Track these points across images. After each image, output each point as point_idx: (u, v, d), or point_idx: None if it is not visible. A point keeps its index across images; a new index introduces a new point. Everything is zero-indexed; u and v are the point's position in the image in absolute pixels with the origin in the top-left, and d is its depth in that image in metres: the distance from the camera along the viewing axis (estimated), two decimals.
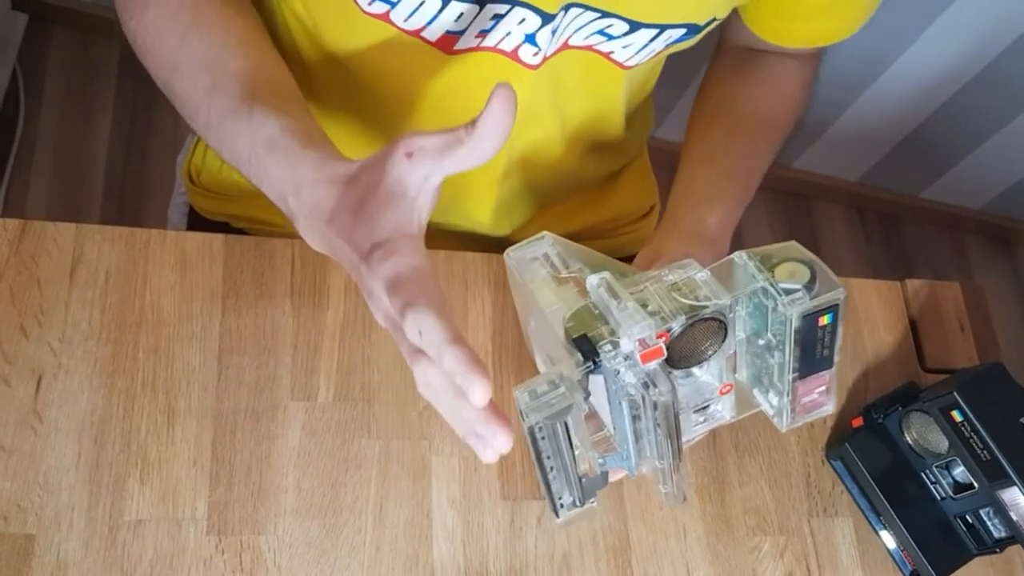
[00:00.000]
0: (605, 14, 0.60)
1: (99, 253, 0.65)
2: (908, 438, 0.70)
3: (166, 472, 0.60)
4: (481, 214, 0.77)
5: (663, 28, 0.62)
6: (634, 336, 0.50)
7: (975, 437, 0.64)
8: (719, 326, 0.55)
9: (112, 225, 0.66)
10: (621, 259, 0.89)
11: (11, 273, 0.63)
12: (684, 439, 0.57)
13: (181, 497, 0.60)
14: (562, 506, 0.55)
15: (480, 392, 0.41)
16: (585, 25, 0.61)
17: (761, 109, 0.76)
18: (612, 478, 0.59)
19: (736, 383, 0.60)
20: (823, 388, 0.59)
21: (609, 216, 0.88)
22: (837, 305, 0.54)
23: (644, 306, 0.51)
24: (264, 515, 0.61)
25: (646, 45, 0.64)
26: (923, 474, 0.70)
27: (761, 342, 0.57)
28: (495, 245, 0.81)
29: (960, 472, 0.68)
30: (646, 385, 0.50)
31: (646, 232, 0.92)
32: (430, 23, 0.60)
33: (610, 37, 0.62)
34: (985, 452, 0.64)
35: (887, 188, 2.01)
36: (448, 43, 0.62)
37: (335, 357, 0.66)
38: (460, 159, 0.46)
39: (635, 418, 0.53)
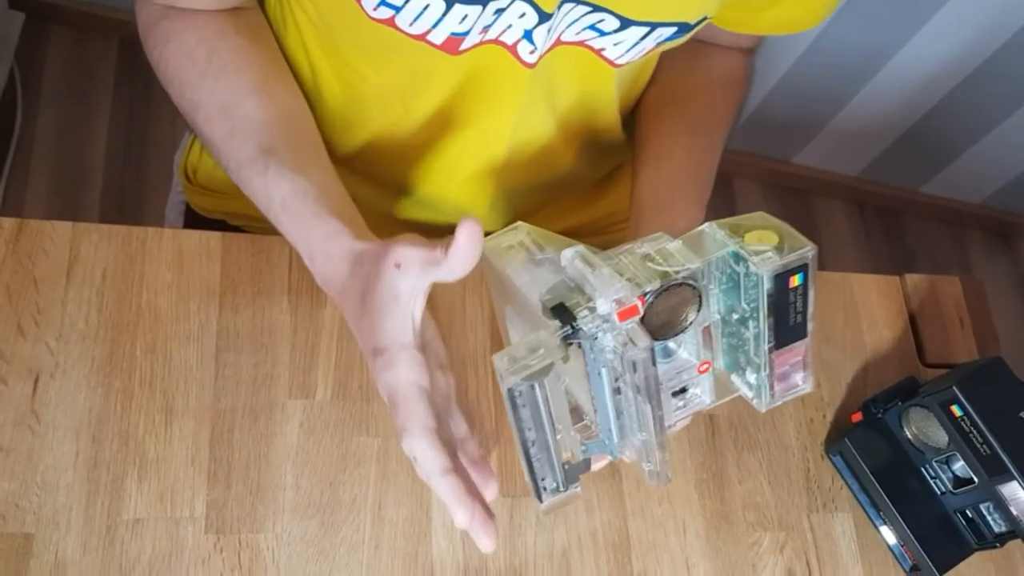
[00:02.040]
0: (596, 8, 0.60)
1: (96, 252, 0.65)
2: (908, 433, 0.70)
3: (164, 471, 0.60)
4: (477, 211, 0.77)
5: (654, 26, 0.62)
6: (610, 296, 0.50)
7: (975, 432, 0.64)
8: (693, 292, 0.55)
9: (110, 224, 0.66)
10: None
11: (8, 272, 0.63)
12: (666, 424, 0.57)
13: (179, 496, 0.60)
14: (544, 489, 0.55)
15: (463, 518, 0.50)
16: (577, 20, 0.61)
17: (714, 101, 0.77)
18: (595, 465, 0.59)
19: (713, 370, 0.60)
20: (799, 360, 0.58)
21: (604, 213, 0.88)
22: (807, 265, 0.54)
23: (620, 274, 0.52)
24: (262, 513, 0.61)
25: (637, 43, 0.63)
26: (923, 469, 0.70)
27: (735, 316, 0.57)
28: None
29: (960, 467, 0.68)
30: (624, 344, 0.51)
31: None
32: (435, 26, 0.60)
33: (601, 33, 0.62)
34: (985, 447, 0.64)
35: (887, 183, 2.01)
36: (454, 44, 0.61)
37: (333, 355, 0.66)
38: (438, 276, 0.51)
39: (615, 391, 0.53)
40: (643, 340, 0.50)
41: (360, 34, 0.63)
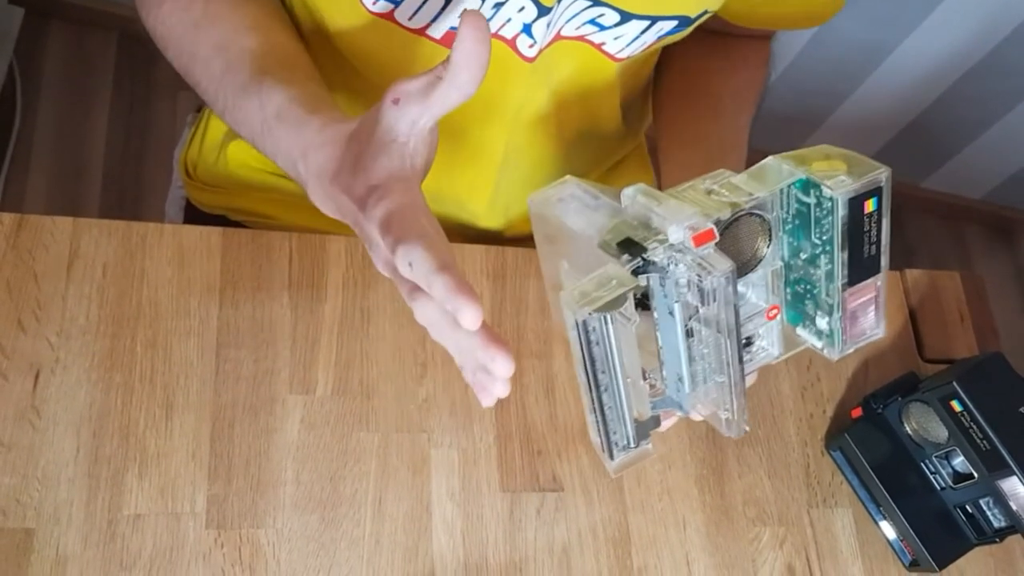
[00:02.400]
0: (596, 3, 0.59)
1: (96, 247, 0.65)
2: (908, 428, 0.70)
3: (165, 466, 0.60)
4: (477, 205, 0.77)
5: (654, 20, 0.62)
6: (683, 223, 0.47)
7: (975, 427, 0.64)
8: (763, 223, 0.52)
9: (110, 219, 0.66)
10: None
11: (8, 267, 0.63)
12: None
13: (180, 491, 0.60)
14: (616, 445, 0.51)
15: (470, 314, 0.42)
16: (577, 14, 0.61)
17: (737, 86, 0.76)
18: (665, 423, 0.56)
19: (780, 320, 0.57)
20: (871, 301, 0.55)
21: None
22: (881, 188, 0.51)
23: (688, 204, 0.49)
24: (263, 508, 0.61)
25: (637, 37, 0.63)
26: (923, 464, 0.70)
27: (803, 257, 0.54)
28: (489, 238, 0.81)
29: (960, 462, 0.68)
30: (701, 270, 0.47)
31: None
32: (434, 20, 0.60)
33: (602, 27, 0.62)
34: (985, 442, 0.64)
35: None
36: (452, 39, 0.61)
37: (333, 350, 0.66)
38: (443, 96, 0.46)
39: (688, 333, 0.50)
40: (723, 263, 0.47)
41: (359, 29, 0.63)
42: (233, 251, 0.67)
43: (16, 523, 0.57)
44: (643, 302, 0.51)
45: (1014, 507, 0.64)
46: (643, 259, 0.48)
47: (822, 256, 0.53)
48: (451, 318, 0.43)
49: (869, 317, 0.56)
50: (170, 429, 0.61)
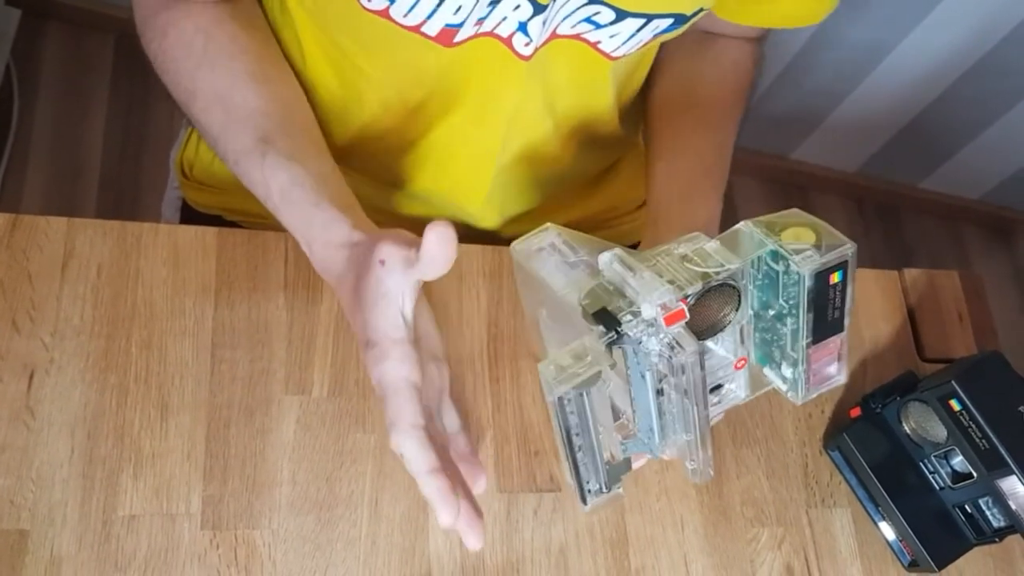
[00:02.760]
0: (592, 1, 0.59)
1: (91, 247, 0.64)
2: (906, 428, 0.70)
3: (160, 467, 0.60)
4: (473, 206, 0.77)
5: (650, 18, 0.62)
6: (655, 301, 0.50)
7: (974, 426, 0.64)
8: (733, 292, 0.55)
9: (105, 219, 0.66)
10: None
11: (2, 268, 0.62)
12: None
13: (175, 492, 0.60)
14: (589, 492, 0.55)
15: (447, 518, 0.49)
16: (573, 12, 0.60)
17: (725, 93, 0.76)
18: (636, 463, 0.59)
19: (748, 364, 0.60)
20: (834, 355, 0.59)
21: (603, 208, 0.87)
22: (846, 262, 0.54)
23: (659, 276, 0.52)
24: (259, 509, 0.60)
25: (633, 35, 0.63)
26: (921, 464, 0.70)
27: (771, 312, 0.57)
28: (486, 238, 0.81)
29: (959, 461, 0.68)
30: (671, 347, 0.50)
31: (639, 224, 0.92)
32: (429, 17, 0.60)
33: (597, 25, 0.62)
34: (984, 441, 0.64)
35: (885, 179, 2.00)
36: (448, 36, 0.61)
37: (329, 351, 0.65)
38: (418, 274, 0.51)
39: (659, 392, 0.53)
40: (691, 344, 0.50)
41: (355, 26, 0.63)
42: (229, 251, 0.66)
43: (10, 524, 0.57)
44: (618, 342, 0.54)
45: (1013, 506, 0.64)
46: (617, 332, 0.51)
47: (788, 317, 0.56)
48: (428, 465, 0.50)
49: (831, 368, 0.60)
50: (165, 430, 0.61)
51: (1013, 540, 0.72)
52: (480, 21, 0.60)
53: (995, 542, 0.69)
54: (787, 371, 0.59)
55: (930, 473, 0.70)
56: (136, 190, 1.61)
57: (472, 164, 0.73)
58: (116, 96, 1.68)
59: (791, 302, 0.55)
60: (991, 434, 0.63)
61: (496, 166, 0.73)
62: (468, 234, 0.81)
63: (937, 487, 0.69)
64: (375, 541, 0.61)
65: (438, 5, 0.58)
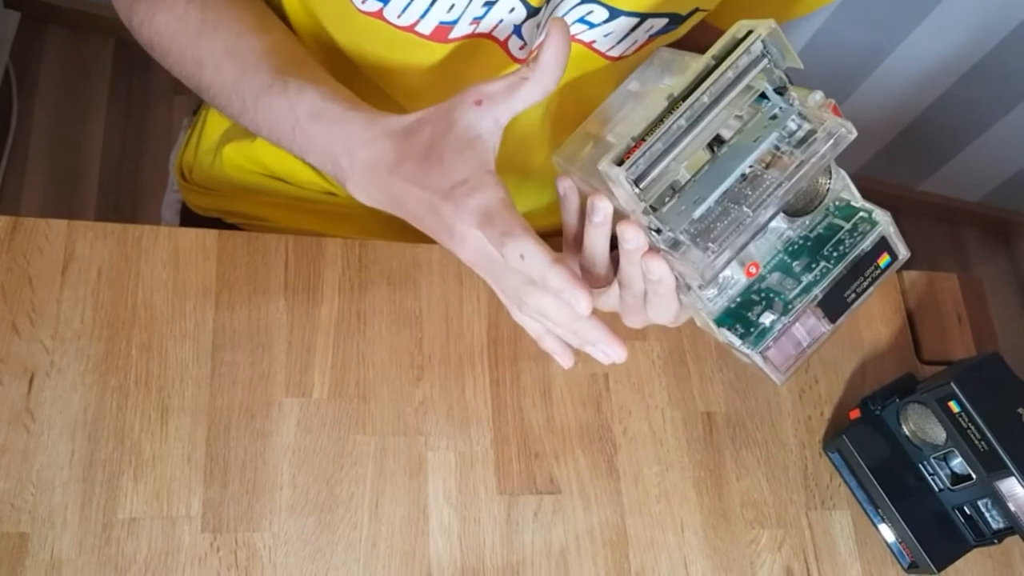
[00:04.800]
0: (585, 0, 0.59)
1: (91, 250, 0.64)
2: (906, 430, 0.70)
3: (160, 470, 0.60)
4: None
5: (643, 17, 0.62)
6: (820, 98, 0.54)
7: (973, 428, 0.64)
8: (827, 171, 0.56)
9: (105, 222, 0.66)
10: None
11: (2, 271, 0.62)
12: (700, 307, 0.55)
13: (175, 495, 0.60)
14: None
15: (584, 303, 0.47)
16: (567, 13, 0.61)
17: None
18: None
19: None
20: (803, 344, 0.56)
21: None
22: (898, 258, 0.55)
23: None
24: (259, 512, 0.60)
25: (627, 34, 0.63)
26: (921, 466, 0.70)
27: (796, 268, 0.56)
28: None
29: (958, 463, 0.68)
30: (823, 128, 0.52)
31: None
32: (423, 16, 0.60)
33: (591, 25, 0.62)
34: (983, 443, 0.64)
35: (884, 181, 2.01)
36: (442, 33, 0.61)
37: (329, 353, 0.65)
38: (527, 95, 0.50)
39: (743, 177, 0.51)
40: (850, 127, 0.51)
41: (350, 27, 0.63)
42: (229, 254, 0.67)
43: (10, 527, 0.57)
44: (712, 146, 0.53)
45: (1012, 508, 0.64)
46: (782, 90, 0.52)
47: (816, 268, 0.55)
48: (567, 308, 0.49)
49: (788, 352, 0.57)
50: (165, 432, 0.61)
51: (1012, 542, 0.72)
52: (476, 21, 0.60)
53: (994, 544, 0.69)
54: (764, 318, 0.55)
55: (929, 475, 0.70)
56: (135, 193, 1.61)
57: None
58: (115, 99, 1.68)
59: (838, 252, 0.55)
60: (990, 436, 0.63)
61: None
62: None
63: (936, 489, 0.70)
64: (375, 543, 0.61)
65: (431, 4, 0.58)
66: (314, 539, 0.61)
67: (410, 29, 0.61)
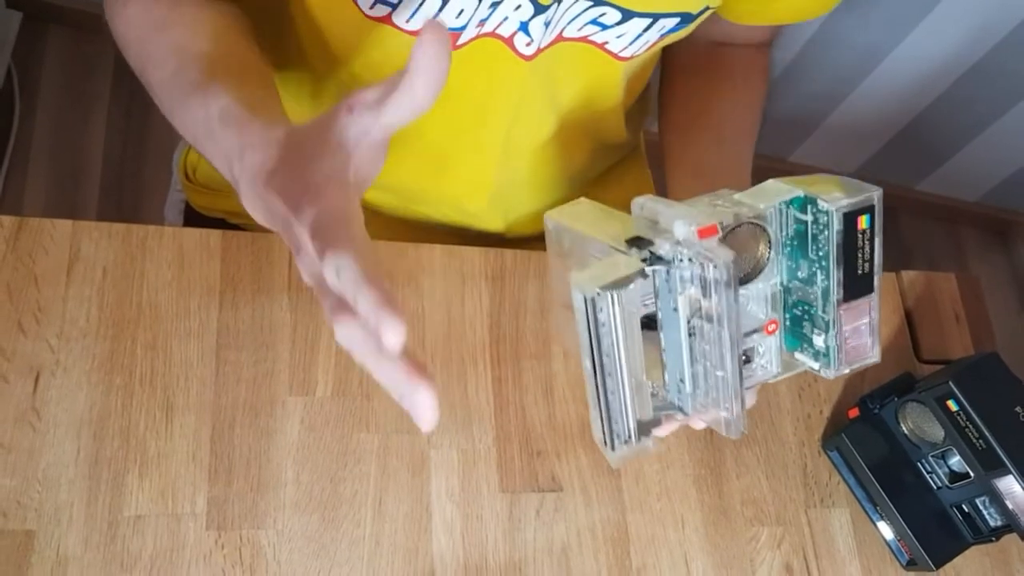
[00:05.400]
0: (597, 2, 0.60)
1: (96, 250, 0.65)
2: (904, 428, 0.70)
3: (165, 467, 0.60)
4: (475, 206, 0.77)
5: (656, 17, 0.62)
6: (690, 221, 0.50)
7: (971, 426, 0.65)
8: (764, 232, 0.55)
9: (109, 222, 0.66)
10: None
11: (8, 270, 0.63)
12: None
13: (180, 492, 0.60)
14: (618, 437, 0.52)
15: (392, 333, 0.38)
16: (579, 15, 0.61)
17: (740, 109, 0.77)
18: (665, 427, 0.56)
19: (778, 338, 0.59)
20: (866, 323, 0.58)
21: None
22: (873, 206, 0.54)
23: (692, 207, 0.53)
24: (263, 509, 0.61)
25: (640, 35, 0.64)
26: (919, 464, 0.70)
27: (801, 276, 0.57)
28: (490, 240, 0.81)
29: (956, 461, 0.68)
30: (703, 264, 0.49)
31: None
32: None
33: (604, 27, 0.62)
34: (981, 441, 0.64)
35: (883, 180, 2.01)
36: (451, 40, 0.62)
37: (333, 352, 0.66)
38: (396, 105, 0.44)
39: (691, 333, 0.52)
40: (724, 253, 0.49)
41: (357, 32, 0.64)
42: (233, 253, 0.67)
43: (17, 525, 0.57)
44: (648, 323, 0.53)
45: (1010, 506, 0.65)
46: (650, 252, 0.50)
47: (819, 273, 0.56)
48: (376, 342, 0.40)
49: (864, 339, 0.58)
50: (170, 431, 0.61)
51: (1010, 539, 0.73)
52: (482, 23, 0.61)
53: (992, 541, 0.69)
54: (819, 341, 0.58)
55: (928, 473, 0.70)
56: (137, 193, 1.62)
57: (474, 164, 0.73)
58: (117, 99, 1.68)
59: (821, 254, 0.55)
60: (988, 434, 0.64)
61: (498, 166, 0.73)
62: (470, 236, 0.81)
63: (935, 487, 0.70)
64: (379, 541, 0.62)
65: (440, 9, 0.59)
66: (318, 536, 0.61)
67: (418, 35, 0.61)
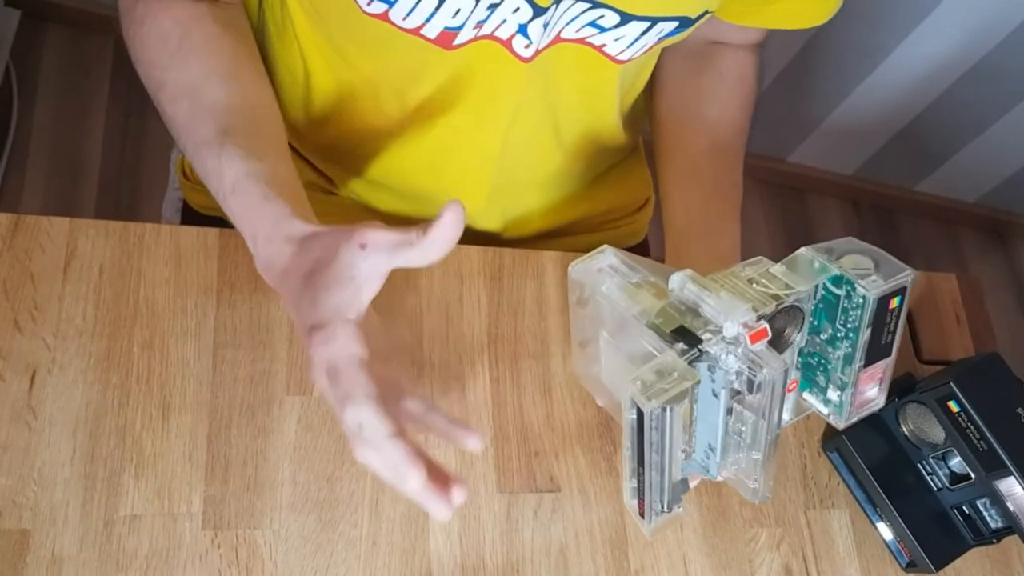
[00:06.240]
0: (596, 4, 0.60)
1: (93, 248, 0.64)
2: (904, 429, 0.70)
3: (161, 467, 0.60)
4: (473, 205, 0.77)
5: (655, 21, 0.62)
6: (738, 319, 0.51)
7: (972, 428, 0.64)
8: (799, 313, 0.56)
9: (107, 220, 0.66)
10: None
11: (4, 268, 0.62)
12: None
13: (176, 492, 0.60)
14: (654, 512, 0.56)
15: (414, 481, 0.48)
16: (577, 17, 0.61)
17: (733, 111, 0.77)
18: (692, 484, 0.60)
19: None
20: (878, 380, 0.61)
21: (602, 210, 0.88)
22: (906, 287, 0.56)
23: (736, 296, 0.53)
24: (260, 509, 0.61)
25: (638, 38, 0.63)
26: (919, 465, 0.70)
27: (822, 337, 0.59)
28: (488, 239, 0.81)
29: (957, 463, 0.68)
30: (752, 366, 0.51)
31: (640, 225, 0.92)
32: (428, 20, 0.60)
33: (602, 29, 0.62)
34: (982, 443, 0.64)
35: (882, 181, 2.01)
36: (447, 39, 0.61)
37: None
38: (408, 259, 0.50)
39: (728, 411, 0.54)
40: (776, 361, 0.51)
41: (354, 29, 0.63)
42: (230, 252, 0.67)
43: (12, 524, 0.57)
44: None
45: (1011, 508, 0.64)
46: (699, 349, 0.52)
47: (843, 341, 0.58)
48: (389, 430, 0.48)
49: (873, 392, 0.62)
50: (167, 430, 0.61)
51: (1010, 541, 0.72)
52: (479, 24, 0.60)
53: (992, 543, 0.69)
54: (833, 395, 0.61)
55: (928, 474, 0.70)
56: (135, 191, 1.61)
57: (472, 165, 0.73)
58: (115, 97, 1.68)
59: (849, 326, 0.57)
60: (989, 436, 0.63)
61: (496, 167, 0.73)
62: (468, 235, 0.81)
63: (935, 488, 0.70)
64: (376, 541, 0.62)
65: (436, 8, 0.58)
66: (314, 536, 0.61)
67: (415, 32, 0.61)
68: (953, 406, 0.65)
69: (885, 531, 0.70)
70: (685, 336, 0.52)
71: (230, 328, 0.65)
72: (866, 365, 0.59)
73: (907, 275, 0.56)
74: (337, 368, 0.49)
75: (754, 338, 0.51)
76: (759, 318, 0.52)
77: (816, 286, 0.57)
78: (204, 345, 0.64)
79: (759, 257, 0.57)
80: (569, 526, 0.65)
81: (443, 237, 0.49)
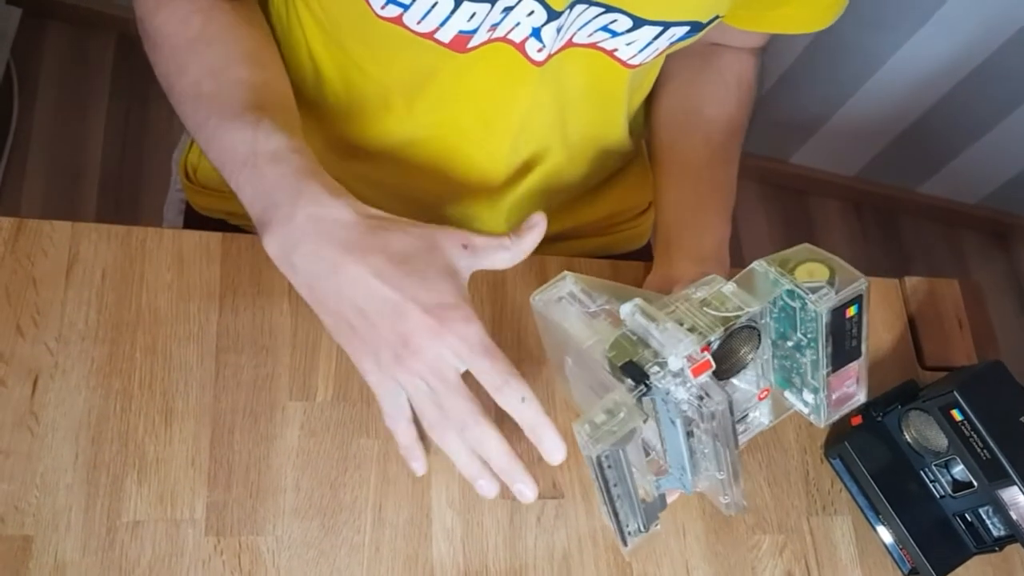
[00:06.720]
0: (609, 9, 0.59)
1: (95, 252, 0.64)
2: (907, 436, 0.70)
3: (164, 472, 0.60)
4: (481, 209, 0.77)
5: (667, 25, 0.62)
6: (680, 353, 0.52)
7: (975, 436, 0.64)
8: (752, 333, 0.56)
9: (108, 222, 0.66)
10: (619, 256, 0.89)
11: (6, 272, 0.62)
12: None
13: (179, 498, 0.60)
14: (630, 534, 0.57)
15: (559, 455, 0.54)
16: (589, 21, 0.61)
17: (730, 111, 0.77)
18: (670, 498, 0.61)
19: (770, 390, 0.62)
20: (853, 379, 0.61)
21: (606, 214, 0.88)
22: (861, 295, 0.56)
23: (680, 324, 0.53)
24: (263, 515, 0.60)
25: (650, 43, 0.63)
26: (922, 472, 0.70)
27: (790, 343, 0.58)
28: None
29: (959, 471, 0.68)
30: (700, 398, 0.52)
31: (643, 230, 0.92)
32: (443, 24, 0.60)
33: (614, 34, 0.62)
34: (985, 451, 0.64)
35: (884, 183, 2.01)
36: (461, 43, 0.61)
37: (333, 357, 0.65)
38: (497, 259, 0.57)
39: (689, 434, 0.55)
40: (719, 393, 0.52)
41: (367, 32, 0.63)
42: (233, 256, 0.67)
43: (15, 530, 0.57)
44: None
45: (1014, 516, 0.64)
46: (646, 385, 0.53)
47: (807, 349, 0.58)
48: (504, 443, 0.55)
49: (850, 390, 0.62)
50: (169, 435, 0.61)
51: (1013, 549, 0.72)
52: (493, 27, 0.60)
53: (995, 551, 0.69)
54: (808, 397, 0.61)
55: (931, 482, 0.70)
56: (136, 191, 1.61)
57: (481, 168, 0.73)
58: (116, 97, 1.68)
59: (809, 336, 0.57)
60: (992, 444, 0.63)
61: (505, 171, 0.73)
62: None
63: (938, 496, 0.70)
64: (379, 547, 0.61)
65: (452, 12, 0.58)
66: (317, 543, 0.61)
67: (429, 36, 0.61)
68: (956, 414, 0.65)
69: (887, 538, 0.70)
70: (633, 371, 0.53)
71: (233, 333, 0.64)
72: (835, 370, 0.59)
73: (860, 284, 0.56)
74: (490, 347, 0.53)
75: (696, 372, 0.52)
76: (708, 344, 0.53)
77: (774, 298, 0.57)
78: (207, 350, 0.64)
79: (712, 276, 0.57)
80: (572, 532, 0.65)
81: (532, 241, 0.56)
